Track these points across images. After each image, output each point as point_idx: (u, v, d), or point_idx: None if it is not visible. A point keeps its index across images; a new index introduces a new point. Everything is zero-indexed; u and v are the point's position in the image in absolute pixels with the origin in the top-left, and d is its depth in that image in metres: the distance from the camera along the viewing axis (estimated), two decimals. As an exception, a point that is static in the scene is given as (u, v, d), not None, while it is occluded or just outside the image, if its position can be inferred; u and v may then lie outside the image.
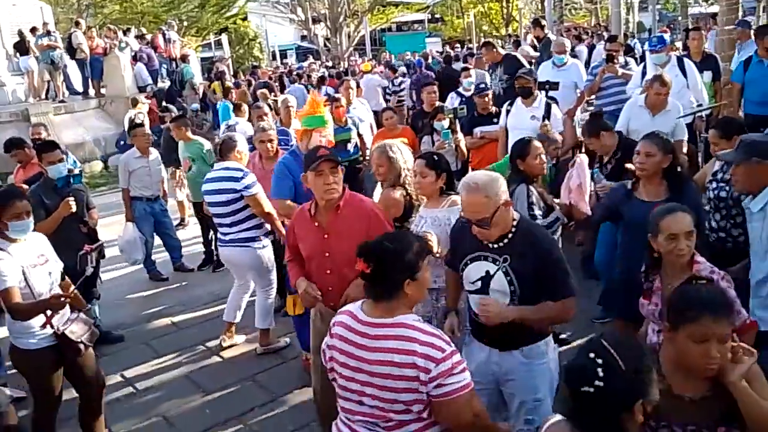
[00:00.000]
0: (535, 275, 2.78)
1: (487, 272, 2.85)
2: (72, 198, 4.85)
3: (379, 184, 4.51)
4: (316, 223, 3.37)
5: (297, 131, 4.80)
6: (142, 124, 7.60)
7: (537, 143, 4.13)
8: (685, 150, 5.62)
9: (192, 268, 7.17)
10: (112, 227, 7.51)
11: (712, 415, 2.05)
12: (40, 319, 3.50)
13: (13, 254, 3.46)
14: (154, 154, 6.90)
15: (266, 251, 5.03)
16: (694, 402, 2.07)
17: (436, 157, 3.74)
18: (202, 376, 4.91)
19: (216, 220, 5.10)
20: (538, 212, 3.90)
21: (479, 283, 2.88)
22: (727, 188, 3.87)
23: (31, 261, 3.54)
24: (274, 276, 5.14)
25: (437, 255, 3.46)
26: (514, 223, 2.86)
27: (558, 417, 1.90)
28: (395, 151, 3.97)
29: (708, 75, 6.97)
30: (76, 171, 5.65)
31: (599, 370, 1.70)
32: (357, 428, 2.33)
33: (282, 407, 4.37)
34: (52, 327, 3.53)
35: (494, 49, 8.18)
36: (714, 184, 3.97)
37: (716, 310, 2.00)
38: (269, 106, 8.55)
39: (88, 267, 3.72)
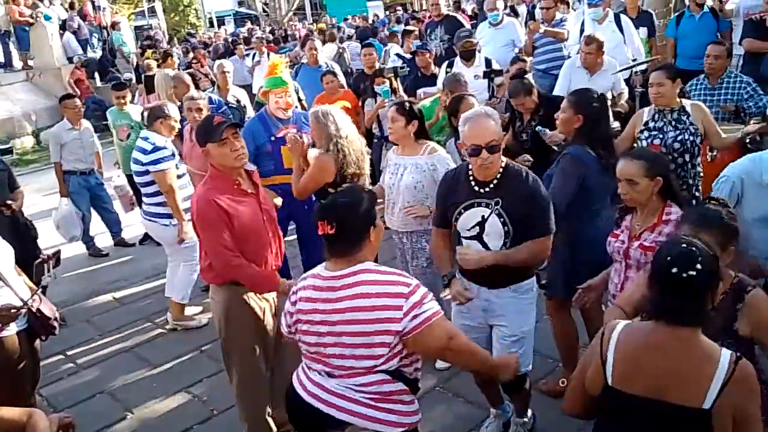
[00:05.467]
0: (523, 215, 2.86)
1: (482, 216, 2.91)
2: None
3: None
4: (250, 191, 3.21)
5: (261, 93, 4.72)
6: (72, 95, 7.23)
7: (471, 99, 4.23)
8: (624, 102, 5.70)
9: (133, 242, 6.95)
10: (48, 205, 7.20)
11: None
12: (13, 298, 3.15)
13: None
14: (86, 125, 6.61)
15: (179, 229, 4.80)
16: None
17: (407, 105, 3.87)
18: (148, 350, 4.81)
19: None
20: None
21: (476, 228, 2.94)
22: (661, 136, 3.93)
23: None
24: (195, 253, 4.84)
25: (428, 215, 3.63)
26: (502, 165, 2.91)
27: (623, 322, 2.02)
28: (325, 117, 3.90)
29: (644, 31, 7.07)
30: None
31: (697, 253, 1.85)
32: (311, 375, 2.36)
33: (231, 376, 4.33)
34: (26, 306, 3.17)
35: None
36: (646, 134, 4.02)
37: None
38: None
39: (45, 276, 3.36)
